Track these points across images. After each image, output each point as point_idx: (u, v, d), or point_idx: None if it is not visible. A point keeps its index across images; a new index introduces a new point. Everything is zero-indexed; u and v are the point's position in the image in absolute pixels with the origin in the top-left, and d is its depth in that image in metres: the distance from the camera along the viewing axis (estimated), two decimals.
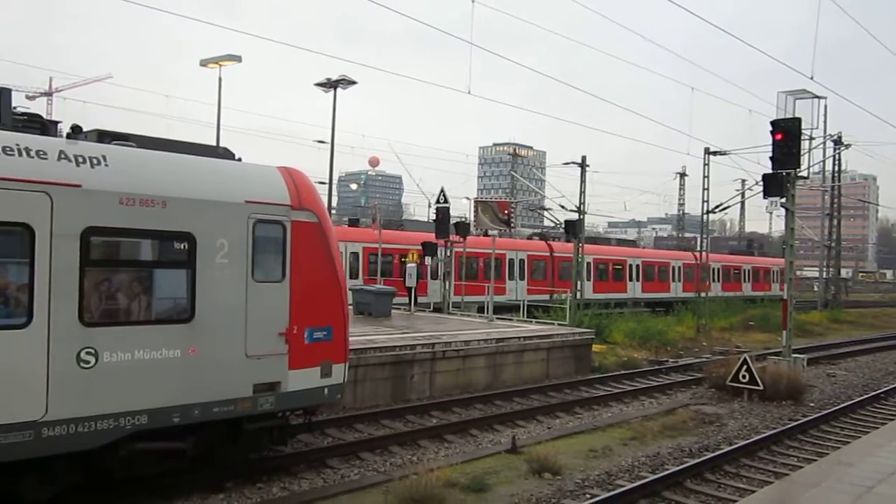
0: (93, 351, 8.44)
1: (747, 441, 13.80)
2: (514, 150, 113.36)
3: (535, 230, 66.64)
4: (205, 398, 9.41)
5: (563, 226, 33.44)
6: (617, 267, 45.77)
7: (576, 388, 19.73)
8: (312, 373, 10.59)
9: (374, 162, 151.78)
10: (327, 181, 35.72)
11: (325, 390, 10.86)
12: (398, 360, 16.93)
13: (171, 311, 9.38)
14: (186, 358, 9.23)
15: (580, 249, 32.10)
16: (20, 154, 8.13)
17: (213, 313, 9.50)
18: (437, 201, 29.44)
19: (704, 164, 35.66)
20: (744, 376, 18.48)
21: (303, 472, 11.34)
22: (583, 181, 33.62)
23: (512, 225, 28.45)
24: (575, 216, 32.01)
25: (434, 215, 30.79)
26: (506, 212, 27.50)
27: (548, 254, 40.66)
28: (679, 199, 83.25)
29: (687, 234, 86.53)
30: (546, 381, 20.44)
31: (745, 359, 18.94)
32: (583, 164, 33.95)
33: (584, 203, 32.60)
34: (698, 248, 51.80)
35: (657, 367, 24.17)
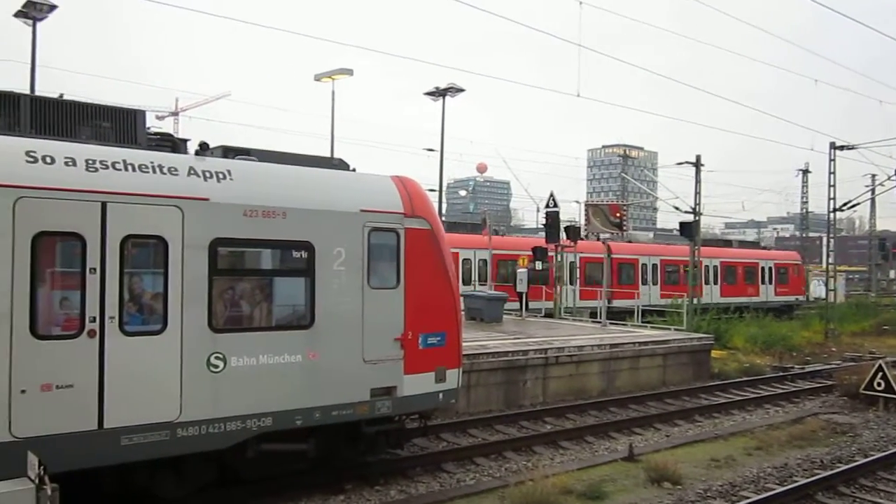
0: (221, 356, 8.88)
1: (885, 453, 12.93)
2: (625, 151, 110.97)
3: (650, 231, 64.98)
4: (325, 401, 9.71)
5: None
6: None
7: (695, 395, 19.10)
8: (427, 378, 10.74)
9: (481, 168, 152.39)
10: (437, 188, 36.12)
11: (440, 395, 10.99)
12: (511, 365, 16.90)
13: (292, 318, 9.75)
14: (307, 363, 9.56)
15: (697, 252, 31.07)
16: (154, 171, 8.69)
17: (332, 319, 9.81)
18: (547, 205, 29.20)
19: (830, 160, 33.80)
20: (879, 384, 17.36)
21: (419, 475, 11.50)
22: (697, 181, 32.52)
23: (624, 228, 27.81)
24: (690, 217, 31.01)
25: (543, 220, 30.57)
26: (618, 214, 26.86)
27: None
28: (802, 198, 79.22)
29: (811, 234, 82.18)
30: (663, 387, 19.90)
31: (880, 365, 17.77)
32: (697, 164, 32.86)
33: (699, 204, 31.55)
34: (824, 249, 49.07)
35: (782, 373, 23.05)
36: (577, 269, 34.70)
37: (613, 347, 19.48)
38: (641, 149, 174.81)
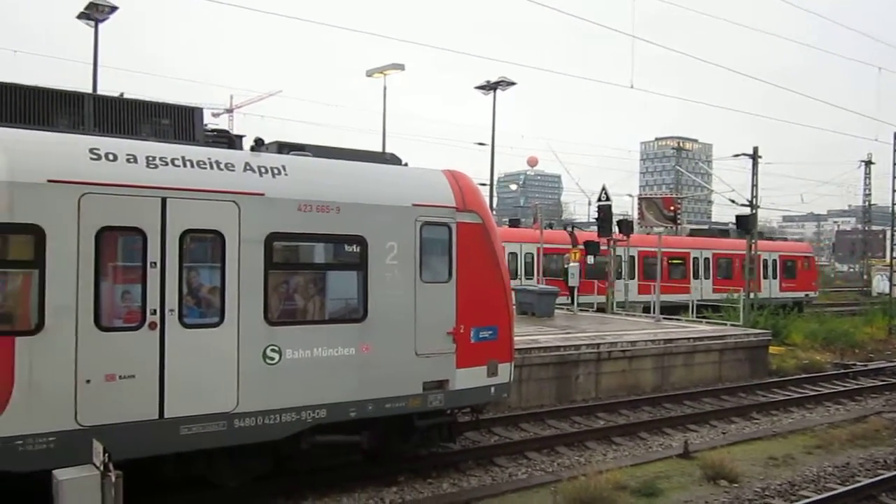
0: (277, 348, 9.03)
1: None
2: (679, 143, 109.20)
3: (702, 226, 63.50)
4: (378, 394, 9.80)
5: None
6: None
7: (752, 392, 18.72)
8: (479, 371, 10.75)
9: (532, 162, 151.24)
10: (488, 182, 36.04)
11: (492, 389, 10.99)
12: (562, 360, 16.80)
13: (346, 311, 9.85)
14: (360, 356, 9.66)
15: (754, 246, 30.39)
16: (212, 167, 8.87)
17: (385, 313, 9.88)
18: (599, 199, 28.91)
19: (895, 150, 32.67)
20: None
21: (471, 468, 11.53)
22: (754, 173, 31.77)
23: (678, 221, 27.38)
24: (746, 210, 30.34)
25: (594, 213, 30.27)
26: (671, 208, 26.54)
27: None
28: (864, 190, 76.82)
29: (874, 227, 79.62)
30: (719, 384, 19.56)
31: None
32: (754, 155, 32.09)
33: (756, 197, 30.82)
34: (888, 243, 47.04)
35: (843, 370, 22.42)
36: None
37: (667, 343, 19.20)
38: (696, 141, 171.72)
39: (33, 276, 7.72)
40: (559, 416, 15.14)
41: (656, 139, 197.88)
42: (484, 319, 10.82)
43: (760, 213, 35.38)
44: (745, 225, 29.52)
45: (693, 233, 45.38)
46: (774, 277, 41.06)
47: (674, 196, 30.49)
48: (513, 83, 33.40)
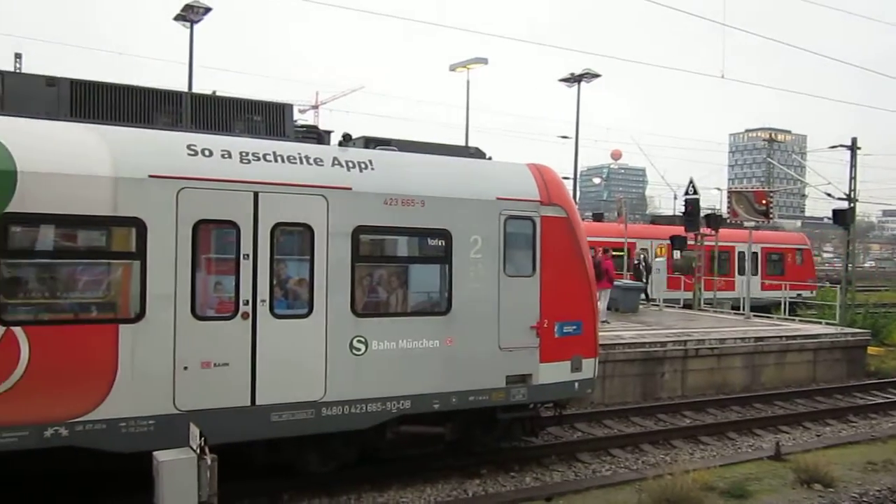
0: (363, 339, 9.21)
1: None
2: (770, 135, 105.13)
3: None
4: (461, 387, 9.87)
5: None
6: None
7: (848, 394, 17.93)
8: (563, 366, 10.68)
9: (616, 155, 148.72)
10: (571, 176, 35.66)
11: (576, 384, 10.90)
12: (648, 356, 16.51)
13: (430, 304, 9.97)
14: (444, 348, 9.74)
15: (852, 243, 29.05)
16: (301, 162, 9.10)
17: (468, 306, 9.93)
18: (686, 193, 28.18)
19: None
20: None
21: (554, 463, 11.48)
22: (853, 166, 30.37)
23: (771, 216, 26.37)
24: (844, 205, 29.01)
25: (681, 207, 29.49)
26: (763, 202, 25.52)
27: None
28: None
29: None
30: (812, 384, 18.85)
31: None
32: (853, 147, 30.67)
33: (854, 190, 29.45)
34: None
35: None
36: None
37: (758, 341, 18.60)
38: (788, 132, 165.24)
39: (135, 267, 8.10)
40: (644, 413, 14.90)
41: (746, 131, 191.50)
42: (568, 314, 10.74)
43: (859, 207, 33.65)
44: (843, 220, 28.24)
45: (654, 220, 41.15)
46: (755, 274, 33.67)
47: (765, 189, 29.32)
48: (597, 75, 32.89)
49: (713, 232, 28.07)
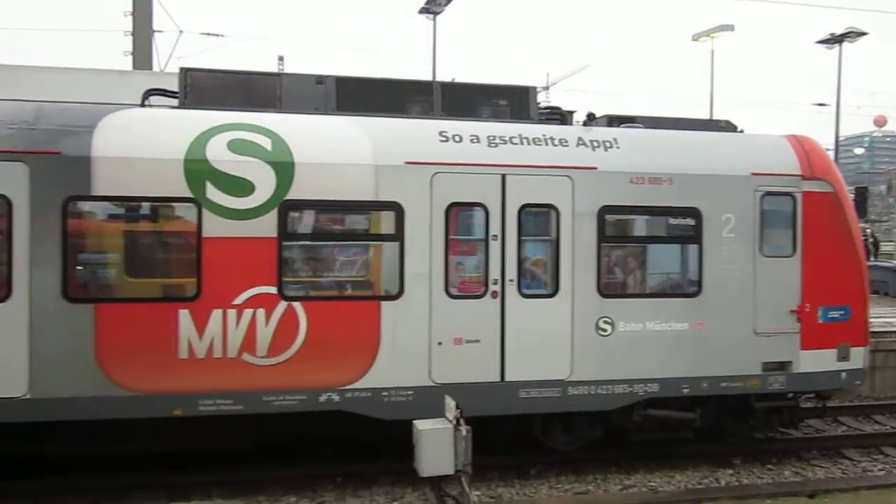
0: (609, 320, 9.15)
1: None
2: None
3: None
4: (712, 372, 9.47)
5: None
6: None
7: None
8: (828, 355, 9.86)
9: (880, 122, 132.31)
10: (831, 147, 32.55)
11: (842, 375, 10.02)
12: None
13: (678, 286, 9.66)
14: (694, 331, 9.39)
15: None
16: (546, 143, 9.21)
17: (720, 288, 9.48)
18: None
19: None
20: None
21: (815, 458, 10.67)
22: None
23: None
24: None
25: None
26: None
27: None
28: None
29: None
30: None
31: None
32: None
33: None
34: None
35: None
36: None
37: None
38: None
39: (395, 249, 8.70)
40: None
41: None
42: (834, 298, 9.87)
43: None
44: None
45: None
46: None
47: None
48: (863, 33, 29.64)
49: None
